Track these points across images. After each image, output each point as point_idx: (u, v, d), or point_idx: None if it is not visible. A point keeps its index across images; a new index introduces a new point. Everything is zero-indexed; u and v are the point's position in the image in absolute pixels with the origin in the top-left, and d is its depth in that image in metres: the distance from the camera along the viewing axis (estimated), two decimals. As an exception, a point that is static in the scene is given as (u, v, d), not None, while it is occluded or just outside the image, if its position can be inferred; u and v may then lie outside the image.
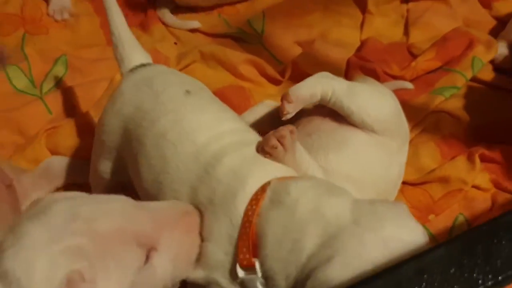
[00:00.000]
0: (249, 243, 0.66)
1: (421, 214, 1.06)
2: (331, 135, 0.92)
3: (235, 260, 0.68)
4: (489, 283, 0.46)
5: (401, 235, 0.61)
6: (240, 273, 0.67)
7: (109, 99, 0.89)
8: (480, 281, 0.46)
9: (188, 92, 0.82)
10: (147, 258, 0.64)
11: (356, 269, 0.57)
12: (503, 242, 0.48)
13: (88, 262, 0.59)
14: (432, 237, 1.05)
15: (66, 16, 1.30)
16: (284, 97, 0.88)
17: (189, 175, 0.74)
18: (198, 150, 0.74)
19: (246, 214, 0.68)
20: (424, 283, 0.46)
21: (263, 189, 0.69)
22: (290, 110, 0.88)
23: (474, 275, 0.46)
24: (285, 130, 0.73)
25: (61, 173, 1.06)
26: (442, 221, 1.06)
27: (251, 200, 0.68)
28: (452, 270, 0.46)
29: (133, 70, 0.89)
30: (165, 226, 0.66)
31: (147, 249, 0.64)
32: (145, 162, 0.78)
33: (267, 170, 0.72)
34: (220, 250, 0.69)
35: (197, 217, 0.71)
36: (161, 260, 0.65)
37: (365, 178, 0.91)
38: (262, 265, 0.66)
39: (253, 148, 0.75)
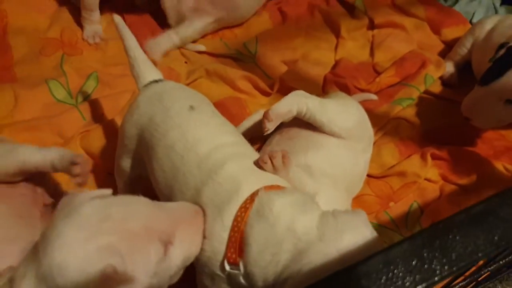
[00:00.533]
0: (236, 245, 0.63)
1: (383, 201, 1.04)
2: (309, 139, 0.89)
3: (224, 256, 0.64)
4: (445, 273, 0.42)
5: (357, 243, 0.58)
6: (227, 267, 0.64)
7: (128, 110, 0.85)
8: (437, 271, 0.42)
9: (192, 107, 0.77)
10: (165, 251, 0.60)
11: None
12: (457, 238, 0.44)
13: (120, 258, 0.54)
14: (392, 220, 1.02)
15: (97, 40, 1.25)
16: (265, 116, 0.84)
17: (194, 180, 0.69)
18: (201, 160, 0.70)
19: (236, 219, 0.64)
20: (390, 273, 0.42)
21: (251, 198, 0.65)
22: (270, 127, 0.85)
23: (433, 266, 0.43)
24: (278, 153, 0.70)
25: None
26: (400, 207, 1.04)
27: (241, 207, 0.64)
28: (414, 262, 0.43)
29: (147, 85, 0.85)
30: (180, 224, 0.62)
31: (165, 244, 0.60)
32: (158, 168, 0.74)
33: (259, 179, 0.68)
34: (210, 248, 0.65)
35: (203, 217, 0.67)
36: (175, 252, 0.61)
37: (337, 173, 0.88)
38: (245, 267, 0.62)
39: (248, 159, 0.72)
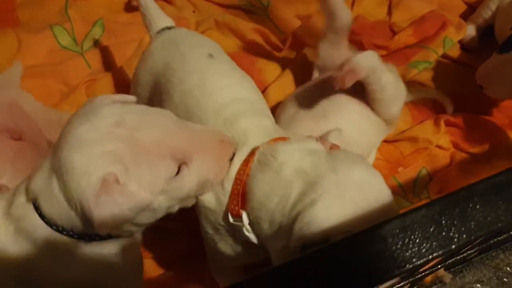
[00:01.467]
0: (238, 197, 0.62)
1: (391, 166, 1.03)
2: (334, 100, 0.87)
3: (226, 208, 0.64)
4: (463, 241, 0.42)
5: (368, 178, 0.58)
6: (230, 219, 0.64)
7: (141, 58, 0.84)
8: (455, 239, 0.42)
9: (211, 55, 0.76)
10: (178, 171, 0.57)
11: (337, 209, 0.54)
12: (477, 207, 0.43)
13: (124, 167, 0.53)
14: (399, 185, 1.02)
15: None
16: (346, 69, 0.77)
17: (208, 125, 0.68)
18: (219, 107, 0.69)
19: (238, 172, 0.63)
20: (406, 239, 0.41)
21: (252, 152, 0.64)
22: (348, 81, 0.77)
23: (451, 234, 0.42)
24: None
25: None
26: (408, 173, 1.03)
27: (243, 161, 0.64)
28: (432, 229, 0.42)
29: (159, 32, 0.84)
30: (200, 147, 0.59)
31: (180, 163, 0.57)
32: (173, 111, 0.73)
33: (269, 137, 0.66)
34: (216, 200, 0.65)
35: (232, 148, 0.63)
36: (189, 175, 0.58)
37: (362, 140, 0.89)
38: (249, 215, 0.62)
39: (265, 119, 0.71)
